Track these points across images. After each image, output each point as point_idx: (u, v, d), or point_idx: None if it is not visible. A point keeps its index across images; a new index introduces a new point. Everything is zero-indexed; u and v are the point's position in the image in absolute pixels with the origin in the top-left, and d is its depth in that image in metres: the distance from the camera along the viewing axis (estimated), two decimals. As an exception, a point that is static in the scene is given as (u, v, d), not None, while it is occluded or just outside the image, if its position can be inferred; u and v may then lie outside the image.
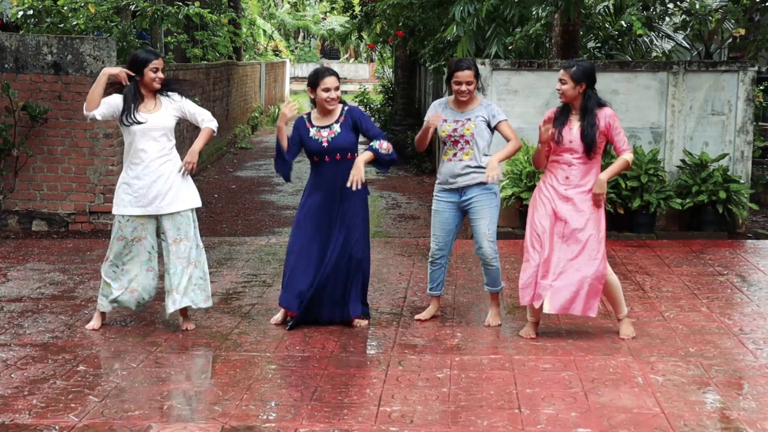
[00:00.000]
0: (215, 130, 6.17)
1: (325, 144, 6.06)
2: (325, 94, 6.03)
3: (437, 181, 6.37)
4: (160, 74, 6.03)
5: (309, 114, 6.23)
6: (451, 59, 6.31)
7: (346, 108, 6.18)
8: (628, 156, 5.89)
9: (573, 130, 5.86)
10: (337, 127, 6.09)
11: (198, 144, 6.08)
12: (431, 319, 6.47)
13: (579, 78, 5.84)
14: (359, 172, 5.97)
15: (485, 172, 6.08)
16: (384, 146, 6.08)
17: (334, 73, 6.12)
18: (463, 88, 6.12)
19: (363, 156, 6.05)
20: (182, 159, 6.15)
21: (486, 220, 6.21)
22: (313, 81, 6.08)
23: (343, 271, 6.16)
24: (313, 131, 6.10)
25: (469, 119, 6.18)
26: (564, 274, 5.82)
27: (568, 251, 5.84)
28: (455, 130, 6.18)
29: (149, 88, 6.04)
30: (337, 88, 6.05)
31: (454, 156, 6.21)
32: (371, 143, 6.12)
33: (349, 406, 4.84)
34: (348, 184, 5.98)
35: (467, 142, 6.17)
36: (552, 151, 5.95)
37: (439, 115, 6.16)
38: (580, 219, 5.84)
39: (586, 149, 5.83)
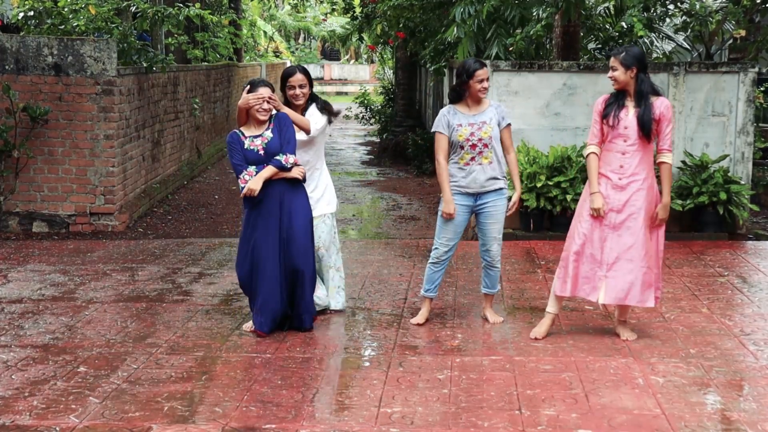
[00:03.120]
0: (310, 129, 6.37)
1: (261, 152, 6.05)
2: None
3: (451, 184, 6.29)
4: (298, 90, 6.38)
5: (240, 129, 6.19)
6: (467, 62, 6.32)
7: (274, 114, 6.19)
8: (667, 158, 5.87)
9: (629, 116, 5.83)
10: (268, 133, 6.11)
11: (291, 112, 6.35)
12: (434, 319, 6.47)
13: (629, 62, 5.80)
14: (257, 183, 5.93)
15: (503, 178, 6.23)
16: (291, 160, 6.07)
17: (268, 84, 6.16)
18: (486, 84, 6.16)
19: (264, 171, 6.00)
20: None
21: (499, 225, 6.26)
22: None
23: (297, 270, 6.13)
24: (247, 142, 6.09)
25: (484, 122, 6.16)
26: (617, 265, 5.82)
27: (620, 242, 5.82)
28: (472, 134, 6.15)
29: (293, 102, 6.43)
30: (271, 98, 6.07)
31: (472, 160, 6.17)
32: (277, 156, 6.04)
33: (349, 407, 4.84)
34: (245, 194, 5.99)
35: (486, 145, 6.15)
36: (605, 138, 5.91)
37: (453, 214, 6.20)
38: (634, 209, 5.83)
39: (643, 135, 5.80)
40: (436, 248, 6.36)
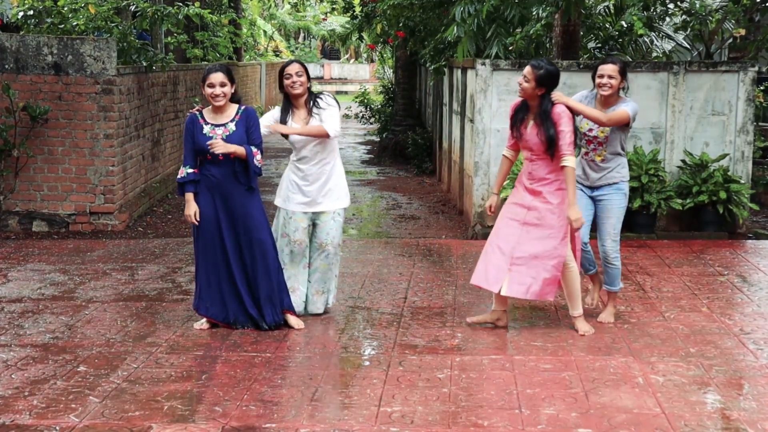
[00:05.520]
0: (329, 134, 6.24)
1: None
2: (209, 90, 6.01)
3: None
4: (294, 78, 6.23)
5: (201, 112, 6.16)
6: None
7: (242, 108, 6.16)
8: (568, 162, 5.91)
9: (528, 130, 6.00)
10: (232, 126, 6.06)
11: (297, 129, 6.25)
12: (434, 318, 6.47)
13: (543, 81, 5.93)
14: (228, 147, 5.94)
15: (617, 172, 6.19)
16: (258, 157, 6.09)
17: (221, 69, 6.07)
18: (605, 81, 6.09)
19: (240, 147, 6.00)
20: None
21: (613, 220, 6.23)
22: (203, 78, 6.07)
23: (249, 266, 6.14)
24: (207, 128, 6.05)
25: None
26: (522, 260, 5.99)
27: (528, 237, 6.00)
28: (591, 129, 6.22)
29: (295, 97, 6.30)
30: (222, 84, 6.01)
31: (585, 155, 6.27)
32: (250, 146, 6.08)
33: (349, 406, 4.84)
34: (209, 145, 5.95)
35: (600, 143, 6.21)
36: (515, 146, 6.19)
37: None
38: (544, 208, 5.99)
39: (545, 150, 5.94)
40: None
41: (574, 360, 5.57)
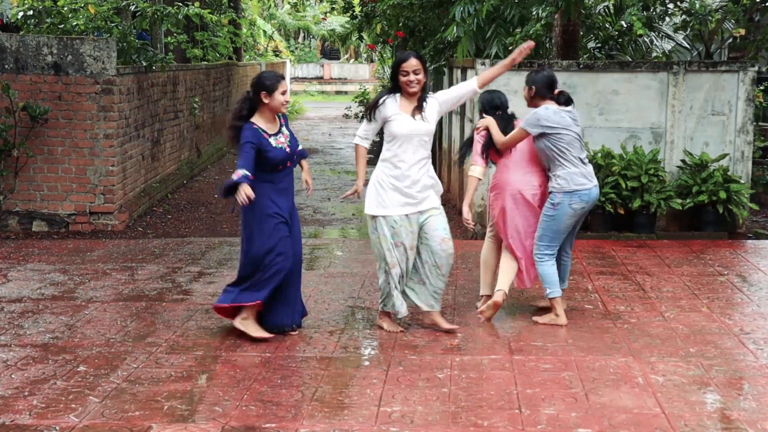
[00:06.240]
0: (475, 86, 6.23)
1: (288, 149, 6.00)
2: (282, 98, 5.93)
3: None
4: (411, 77, 5.93)
5: (254, 123, 5.97)
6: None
7: (279, 114, 6.12)
8: (470, 172, 6.38)
9: None
10: (285, 131, 6.08)
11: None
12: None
13: (483, 108, 6.60)
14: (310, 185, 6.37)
15: (558, 184, 6.20)
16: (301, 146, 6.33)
17: (284, 77, 6.12)
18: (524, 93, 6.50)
19: (307, 165, 6.32)
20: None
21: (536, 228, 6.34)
22: (271, 86, 5.88)
23: (296, 272, 6.15)
24: (272, 140, 5.97)
25: None
26: None
27: None
28: None
29: (407, 95, 6.03)
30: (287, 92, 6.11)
31: None
32: (301, 150, 6.22)
33: (349, 406, 4.84)
34: (308, 193, 6.38)
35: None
36: None
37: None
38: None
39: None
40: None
41: (574, 360, 5.57)
